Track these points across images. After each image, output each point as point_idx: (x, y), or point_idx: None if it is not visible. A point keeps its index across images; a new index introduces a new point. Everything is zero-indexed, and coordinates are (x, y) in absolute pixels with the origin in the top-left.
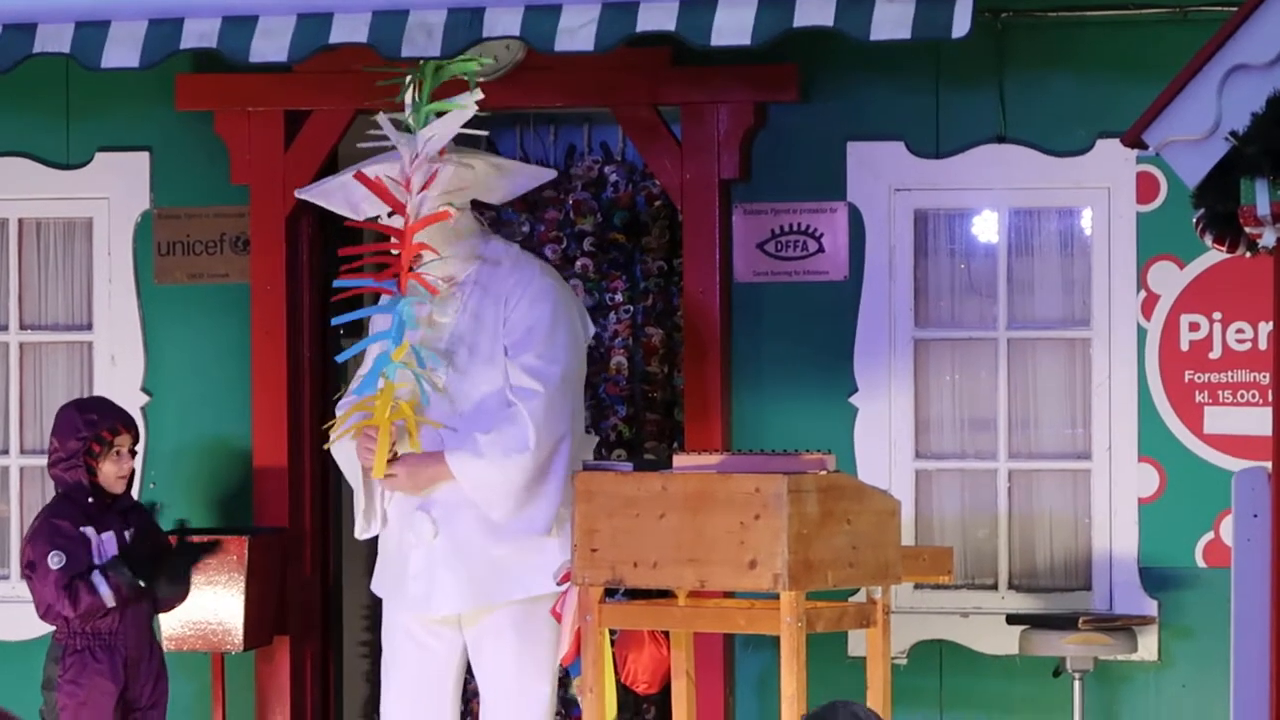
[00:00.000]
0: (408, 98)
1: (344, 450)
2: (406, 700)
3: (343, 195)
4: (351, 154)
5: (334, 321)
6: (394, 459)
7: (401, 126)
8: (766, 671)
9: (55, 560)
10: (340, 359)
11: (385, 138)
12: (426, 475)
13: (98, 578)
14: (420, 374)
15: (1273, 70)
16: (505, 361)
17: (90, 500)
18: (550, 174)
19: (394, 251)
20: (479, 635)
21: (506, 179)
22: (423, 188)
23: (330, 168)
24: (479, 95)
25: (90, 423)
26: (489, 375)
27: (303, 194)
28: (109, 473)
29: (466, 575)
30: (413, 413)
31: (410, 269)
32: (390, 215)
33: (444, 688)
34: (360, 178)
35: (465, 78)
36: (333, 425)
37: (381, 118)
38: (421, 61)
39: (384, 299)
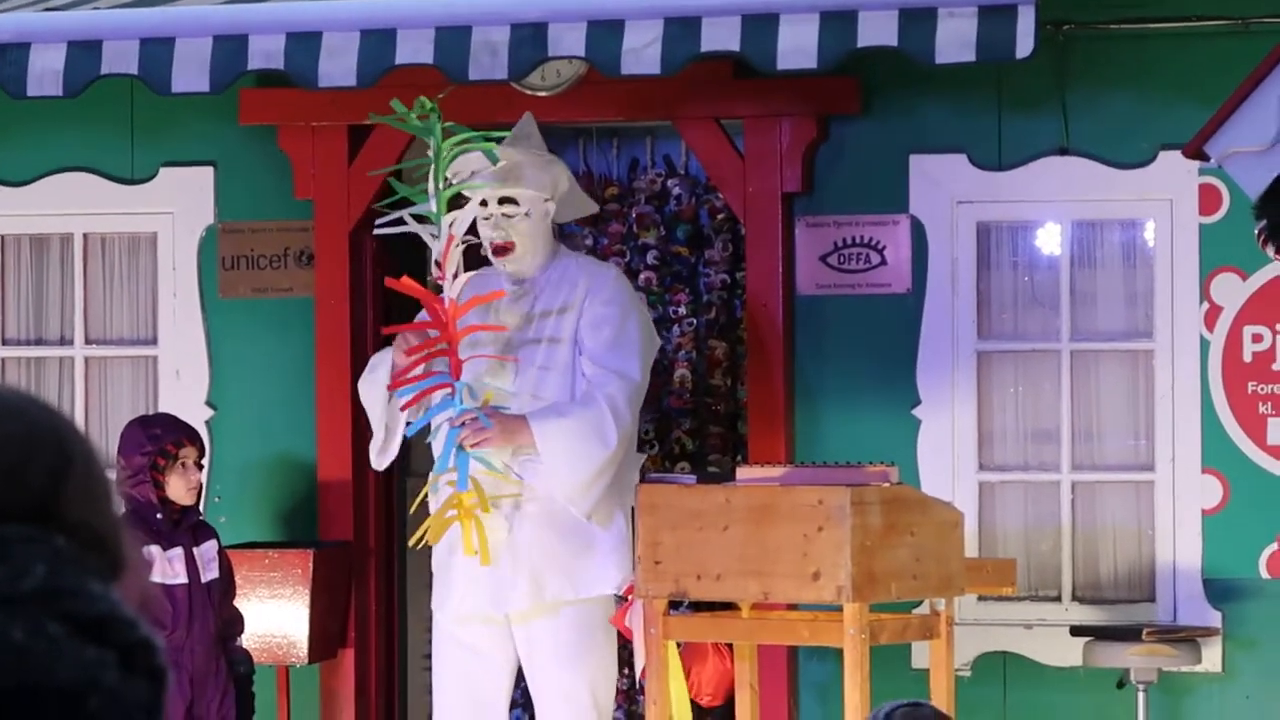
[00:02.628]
0: (430, 187)
1: (370, 389)
2: (462, 706)
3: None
4: (414, 170)
5: (409, 432)
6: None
7: (424, 218)
8: (830, 683)
9: None
10: (408, 434)
11: (399, 220)
12: (515, 432)
13: None
14: (486, 460)
15: None
16: (579, 359)
17: (159, 517)
18: (593, 208)
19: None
20: (530, 637)
21: (572, 202)
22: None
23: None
24: (503, 161)
25: (154, 437)
26: (559, 378)
27: (381, 231)
28: (177, 486)
29: (531, 573)
30: (484, 494)
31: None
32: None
33: (496, 695)
34: (390, 283)
35: (484, 151)
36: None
37: (405, 214)
38: (433, 143)
39: (440, 398)
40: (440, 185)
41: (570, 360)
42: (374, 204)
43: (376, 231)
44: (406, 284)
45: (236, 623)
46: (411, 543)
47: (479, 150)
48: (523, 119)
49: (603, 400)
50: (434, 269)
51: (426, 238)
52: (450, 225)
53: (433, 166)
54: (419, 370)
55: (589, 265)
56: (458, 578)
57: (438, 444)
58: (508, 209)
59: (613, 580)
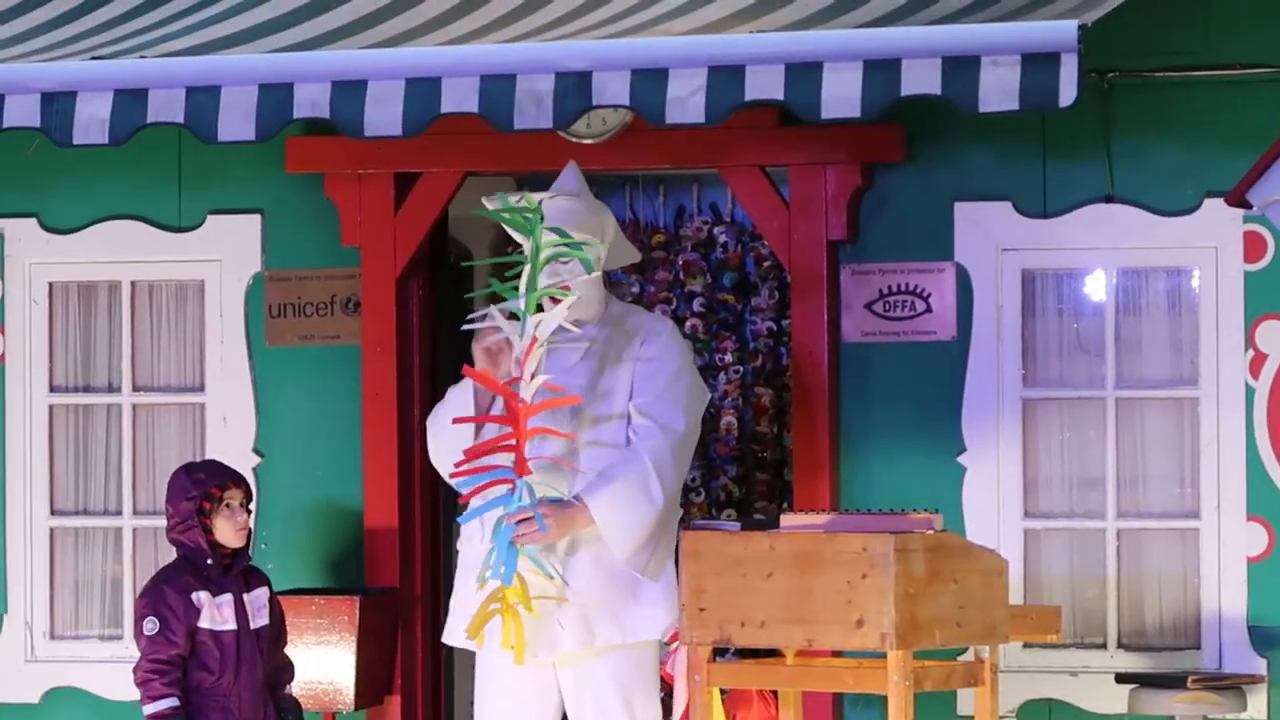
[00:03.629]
0: (522, 285)
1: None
2: None
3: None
4: (460, 216)
5: (461, 519)
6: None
7: (510, 314)
8: None
9: (149, 627)
10: (462, 521)
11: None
12: (570, 523)
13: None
14: (538, 559)
15: None
16: (629, 406)
17: (209, 562)
18: (636, 256)
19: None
20: (577, 680)
21: (616, 252)
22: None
23: (441, 228)
24: (594, 273)
25: (198, 481)
26: (616, 426)
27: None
28: (224, 528)
29: (581, 615)
30: (528, 594)
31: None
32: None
33: None
34: (468, 371)
35: (580, 260)
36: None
37: (493, 310)
38: (531, 242)
39: (499, 492)
40: (531, 285)
41: (625, 410)
42: (470, 298)
43: (465, 328)
44: (483, 376)
45: (286, 670)
46: (452, 640)
47: (576, 258)
48: (568, 168)
49: (647, 458)
50: (514, 367)
51: (513, 336)
52: (536, 326)
53: (528, 266)
54: (483, 460)
55: (643, 317)
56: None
57: (487, 538)
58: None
59: (661, 624)
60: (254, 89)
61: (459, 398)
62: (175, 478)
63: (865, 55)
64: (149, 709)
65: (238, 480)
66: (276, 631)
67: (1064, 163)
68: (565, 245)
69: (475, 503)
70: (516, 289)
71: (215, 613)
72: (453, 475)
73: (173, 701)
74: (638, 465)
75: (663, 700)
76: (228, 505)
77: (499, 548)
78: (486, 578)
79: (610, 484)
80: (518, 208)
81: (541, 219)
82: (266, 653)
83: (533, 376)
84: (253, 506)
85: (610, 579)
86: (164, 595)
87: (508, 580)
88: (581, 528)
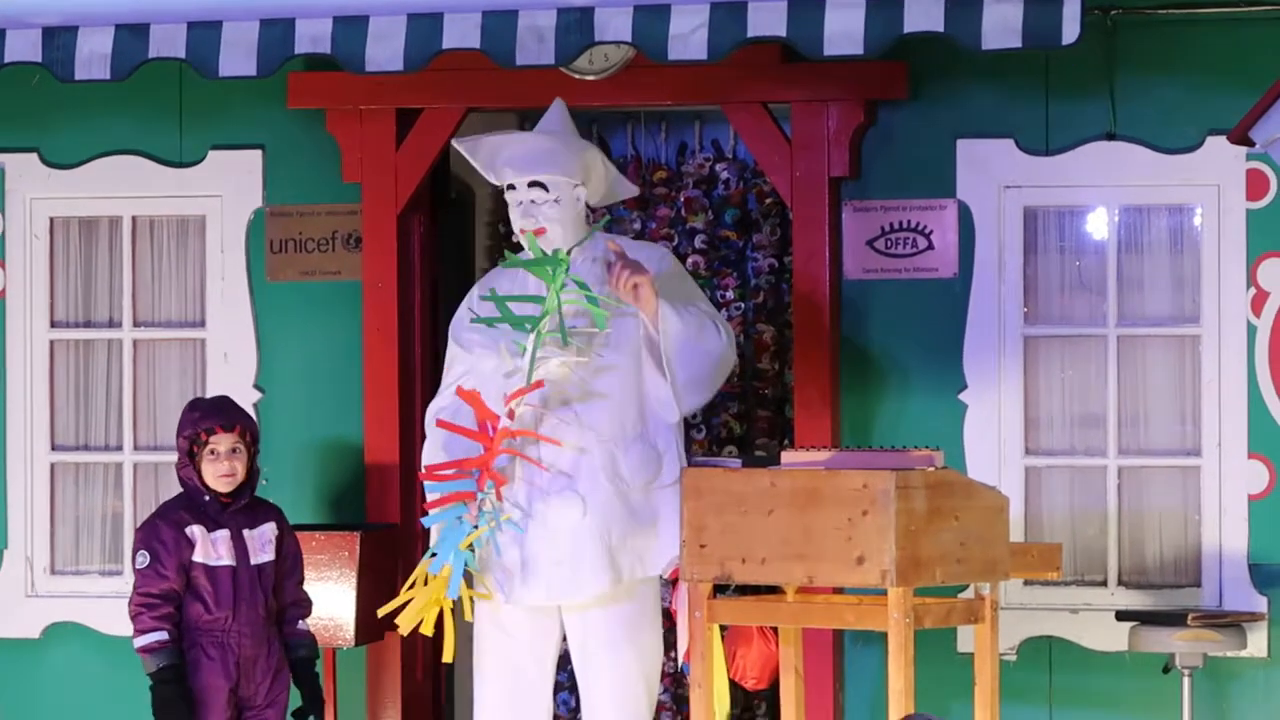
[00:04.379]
0: (534, 327)
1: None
2: (504, 697)
3: (488, 153)
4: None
5: (426, 521)
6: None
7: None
8: (876, 667)
9: (141, 560)
10: (426, 523)
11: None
12: (650, 298)
13: (150, 660)
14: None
15: None
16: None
17: (206, 499)
18: (633, 191)
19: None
20: (585, 620)
21: (609, 185)
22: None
23: (442, 165)
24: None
25: (193, 420)
26: (618, 358)
27: (458, 144)
28: (208, 472)
29: (608, 553)
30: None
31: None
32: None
33: (540, 680)
34: (460, 392)
35: (594, 314)
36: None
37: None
38: (551, 290)
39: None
40: (541, 329)
41: (630, 362)
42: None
43: (471, 321)
44: (472, 397)
45: (303, 605)
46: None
47: (585, 305)
48: (553, 105)
49: (710, 316)
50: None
51: (505, 360)
52: (537, 370)
53: (545, 312)
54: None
55: (633, 243)
56: (522, 568)
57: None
58: (536, 194)
59: (667, 558)
60: (255, 24)
61: (452, 405)
62: (184, 412)
63: None
64: (139, 642)
65: (230, 424)
66: (292, 568)
67: (1066, 100)
68: (585, 296)
69: (433, 512)
70: (524, 320)
71: (210, 548)
72: (421, 476)
73: (161, 635)
74: (696, 311)
75: (667, 636)
76: (212, 451)
77: (444, 545)
78: (429, 571)
79: (678, 309)
80: (545, 258)
81: (567, 268)
82: (274, 589)
83: (510, 416)
84: (240, 448)
85: (633, 514)
86: (157, 529)
87: (434, 569)
88: (651, 310)
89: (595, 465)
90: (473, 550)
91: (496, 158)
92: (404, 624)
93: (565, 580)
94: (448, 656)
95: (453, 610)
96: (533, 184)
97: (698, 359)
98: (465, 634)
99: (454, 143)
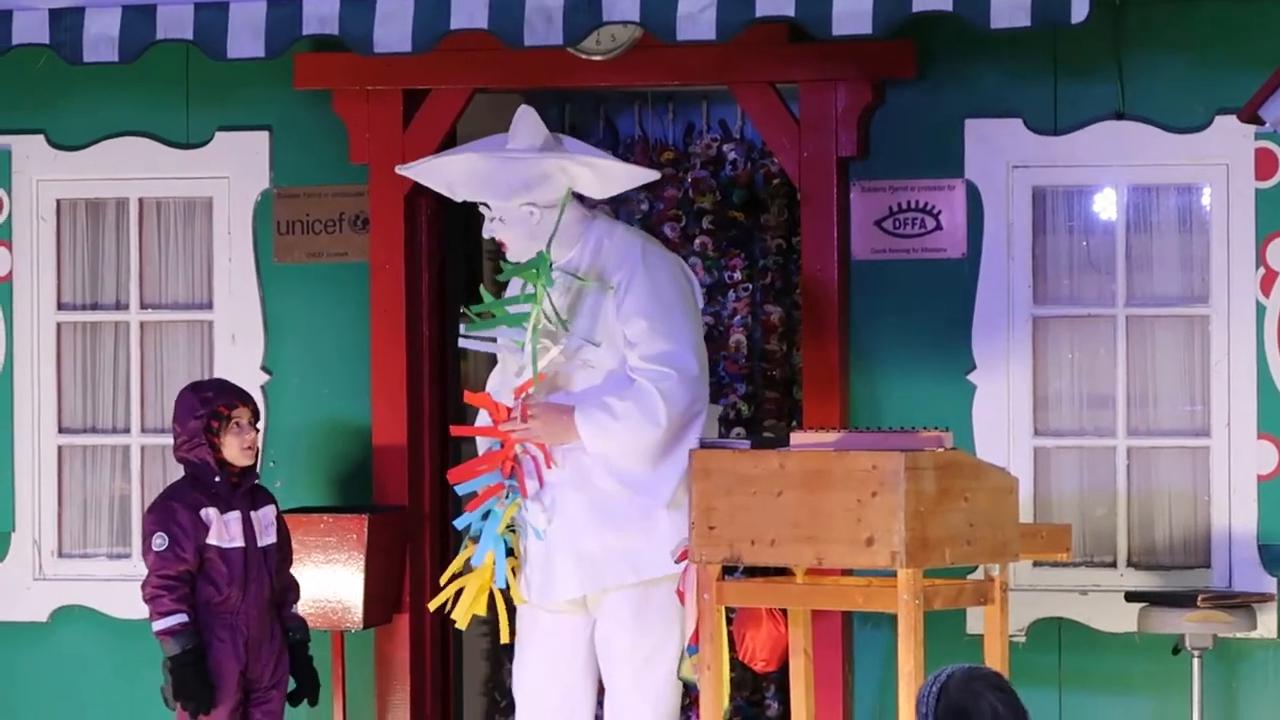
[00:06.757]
0: (530, 318)
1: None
2: (539, 678)
3: (442, 175)
4: (469, 133)
5: (458, 523)
6: (525, 403)
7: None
8: (885, 649)
9: (158, 543)
10: (457, 525)
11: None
12: (560, 428)
13: (172, 642)
14: (529, 525)
15: None
16: (625, 347)
17: (217, 480)
18: (652, 175)
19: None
20: (600, 620)
21: (604, 178)
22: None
23: (449, 146)
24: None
25: (206, 400)
26: (604, 358)
27: (403, 170)
28: (232, 446)
29: (577, 560)
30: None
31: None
32: (489, 210)
33: (575, 666)
34: (469, 397)
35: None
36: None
37: (500, 337)
38: (539, 288)
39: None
40: (537, 324)
41: (613, 341)
42: (464, 307)
43: (461, 344)
44: (481, 399)
45: (293, 590)
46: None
47: (586, 288)
48: (517, 114)
49: (655, 391)
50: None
51: (510, 361)
52: (539, 365)
53: (536, 308)
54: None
55: (620, 244)
56: (529, 562)
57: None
58: (486, 211)
59: (670, 553)
60: (263, 5)
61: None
62: (183, 396)
63: None
64: (158, 625)
65: (245, 399)
66: (284, 551)
67: (1075, 79)
68: (574, 278)
69: (467, 512)
70: (519, 318)
71: (223, 530)
72: (450, 478)
73: (182, 618)
74: (644, 400)
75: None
76: (236, 423)
77: (486, 536)
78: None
79: (613, 418)
80: (530, 261)
81: (550, 265)
82: (274, 571)
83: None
84: (260, 426)
85: (617, 521)
86: (173, 512)
87: (477, 560)
88: (570, 439)
89: (585, 463)
90: (512, 530)
91: (447, 177)
92: (460, 617)
93: (539, 584)
94: (505, 637)
95: (503, 592)
96: (481, 202)
97: (635, 452)
98: (478, 618)
99: (397, 169)
